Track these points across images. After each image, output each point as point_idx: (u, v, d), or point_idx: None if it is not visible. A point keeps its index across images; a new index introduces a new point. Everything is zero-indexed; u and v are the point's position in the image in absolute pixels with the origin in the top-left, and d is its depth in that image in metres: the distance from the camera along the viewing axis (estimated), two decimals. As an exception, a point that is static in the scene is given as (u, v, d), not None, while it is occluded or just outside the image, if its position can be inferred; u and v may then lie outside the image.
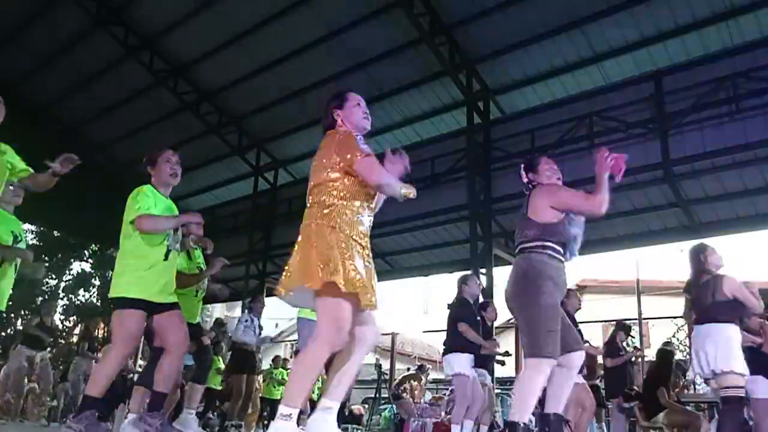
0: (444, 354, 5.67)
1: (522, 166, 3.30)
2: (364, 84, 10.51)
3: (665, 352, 6.55)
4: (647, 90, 8.74)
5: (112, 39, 11.27)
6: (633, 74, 9.05)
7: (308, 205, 2.52)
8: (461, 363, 5.39)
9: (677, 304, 6.15)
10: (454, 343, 5.50)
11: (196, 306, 4.45)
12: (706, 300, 4.11)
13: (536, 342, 2.83)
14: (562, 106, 9.54)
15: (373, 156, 2.50)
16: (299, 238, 2.44)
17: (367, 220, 2.48)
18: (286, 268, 2.41)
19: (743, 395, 3.97)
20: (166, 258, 3.35)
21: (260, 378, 9.11)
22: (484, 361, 6.01)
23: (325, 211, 2.41)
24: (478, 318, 5.61)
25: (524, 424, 2.76)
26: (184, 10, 10.57)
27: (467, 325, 5.45)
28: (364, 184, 2.46)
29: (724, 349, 3.91)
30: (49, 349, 8.34)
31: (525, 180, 3.25)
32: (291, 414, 2.21)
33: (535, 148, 9.48)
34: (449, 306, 5.78)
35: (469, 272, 6.26)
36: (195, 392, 4.52)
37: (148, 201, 3.34)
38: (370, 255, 2.48)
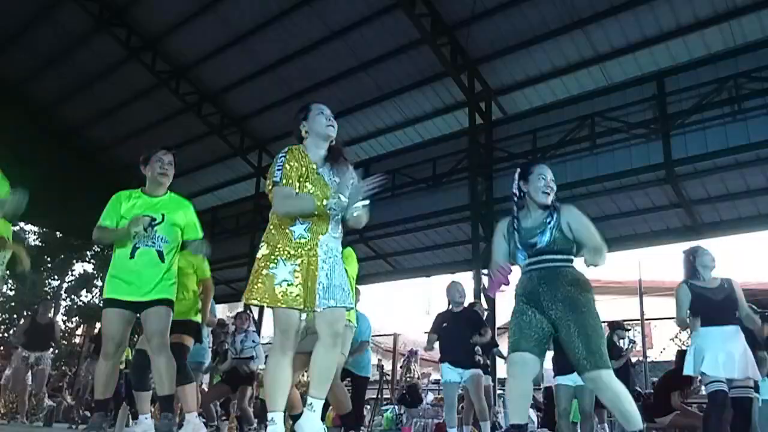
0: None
1: (517, 171, 3.11)
2: (365, 85, 10.53)
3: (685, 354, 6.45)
4: (649, 90, 8.74)
5: (114, 40, 11.31)
6: (635, 74, 9.04)
7: None
8: (444, 371, 5.59)
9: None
10: (439, 353, 5.75)
11: (187, 301, 4.20)
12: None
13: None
14: (564, 107, 9.53)
15: (281, 185, 2.58)
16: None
17: (300, 228, 2.58)
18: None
19: (720, 389, 3.96)
20: (132, 256, 3.34)
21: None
22: (483, 364, 6.08)
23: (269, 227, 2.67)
24: (445, 324, 5.65)
25: (516, 425, 2.74)
26: (186, 11, 10.60)
27: (434, 336, 5.63)
28: None
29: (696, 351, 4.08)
30: (52, 350, 8.35)
31: (514, 188, 3.05)
32: (273, 418, 2.46)
33: (537, 149, 9.48)
34: None
35: (454, 280, 6.30)
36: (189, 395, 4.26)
37: (106, 212, 3.47)
38: (313, 257, 2.56)
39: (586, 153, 9.07)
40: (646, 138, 8.62)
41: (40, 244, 19.07)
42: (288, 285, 2.50)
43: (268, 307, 2.55)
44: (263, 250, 2.61)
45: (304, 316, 2.64)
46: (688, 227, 9.59)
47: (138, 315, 3.35)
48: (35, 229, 18.95)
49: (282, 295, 2.49)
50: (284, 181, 2.58)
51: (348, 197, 2.57)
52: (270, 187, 2.61)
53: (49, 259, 18.94)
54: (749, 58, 8.05)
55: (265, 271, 2.54)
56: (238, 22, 10.48)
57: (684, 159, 8.30)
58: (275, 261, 2.54)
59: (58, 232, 18.46)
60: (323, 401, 2.55)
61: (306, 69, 10.77)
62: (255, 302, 2.53)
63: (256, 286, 2.54)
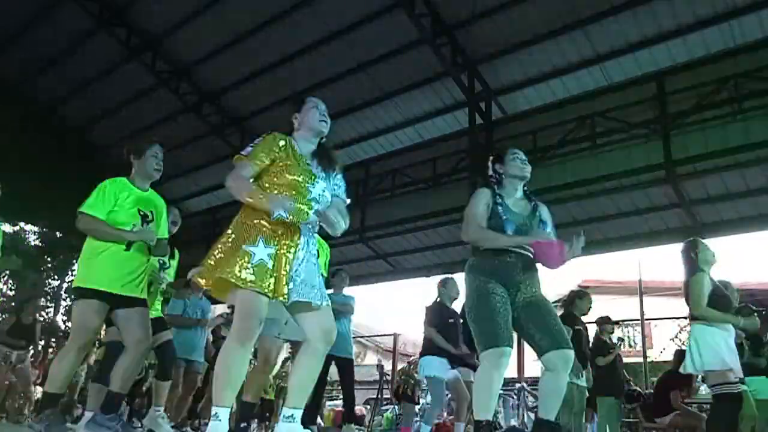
0: (420, 356, 5.68)
1: (490, 159, 3.25)
2: (365, 85, 10.51)
3: (684, 354, 6.41)
4: (649, 90, 8.74)
5: (114, 40, 11.29)
6: (635, 74, 9.03)
7: None
8: (434, 366, 5.41)
9: (680, 305, 6.10)
10: (427, 347, 5.54)
11: (154, 299, 4.33)
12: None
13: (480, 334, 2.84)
14: (564, 107, 9.53)
15: (247, 160, 2.55)
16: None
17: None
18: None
19: (734, 391, 3.93)
20: (127, 248, 3.28)
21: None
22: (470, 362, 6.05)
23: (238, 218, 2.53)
24: (451, 320, 5.58)
25: (488, 421, 2.74)
26: (186, 11, 10.58)
27: (436, 330, 5.48)
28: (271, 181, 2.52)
29: (707, 347, 3.97)
30: (31, 349, 8.27)
31: (490, 173, 3.19)
32: (217, 413, 2.24)
33: (537, 149, 9.48)
34: (426, 308, 5.78)
35: (449, 275, 6.26)
36: (161, 389, 4.43)
37: (98, 198, 3.37)
38: (291, 246, 2.42)
39: (586, 153, 9.07)
40: (646, 138, 8.63)
41: (40, 244, 19.05)
42: (263, 266, 2.29)
43: (236, 286, 2.31)
44: (234, 233, 2.42)
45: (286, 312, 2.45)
46: (688, 227, 9.59)
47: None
48: (35, 229, 18.92)
49: (254, 275, 2.27)
50: (250, 158, 2.52)
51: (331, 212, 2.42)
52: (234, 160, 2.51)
53: (49, 259, 18.93)
54: (749, 58, 8.05)
55: (244, 247, 2.32)
56: (238, 22, 10.47)
57: (684, 159, 8.29)
58: (255, 239, 2.35)
59: (58, 232, 18.45)
60: (302, 410, 2.38)
61: (306, 69, 10.76)
62: (229, 276, 2.27)
63: (229, 260, 2.30)
